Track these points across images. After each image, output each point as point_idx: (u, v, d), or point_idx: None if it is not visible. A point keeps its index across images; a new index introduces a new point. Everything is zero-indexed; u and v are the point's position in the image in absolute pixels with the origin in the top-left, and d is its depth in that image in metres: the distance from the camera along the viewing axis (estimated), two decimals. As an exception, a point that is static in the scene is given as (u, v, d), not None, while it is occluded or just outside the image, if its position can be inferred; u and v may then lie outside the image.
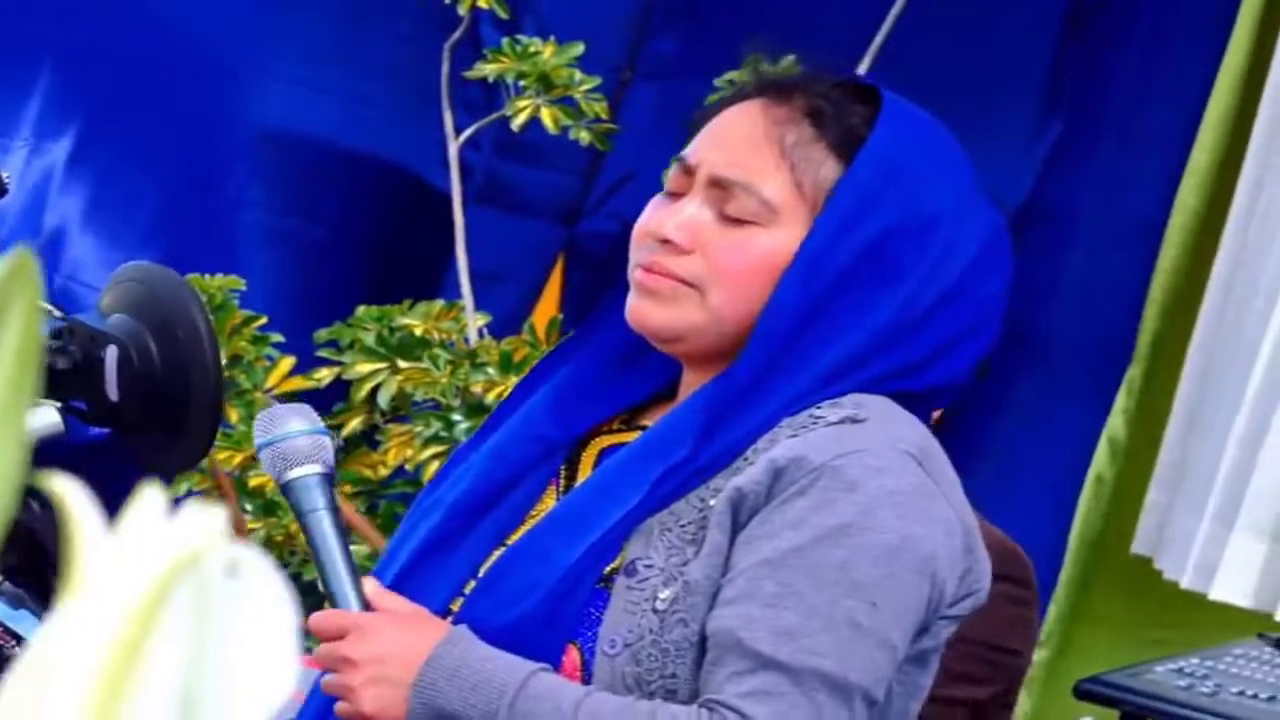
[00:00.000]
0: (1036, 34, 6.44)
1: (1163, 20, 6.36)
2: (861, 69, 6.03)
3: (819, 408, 2.51)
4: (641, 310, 2.57)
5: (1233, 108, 6.06)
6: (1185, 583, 5.84)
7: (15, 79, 6.59)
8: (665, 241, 2.56)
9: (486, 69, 5.74)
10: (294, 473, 2.56)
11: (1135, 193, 6.32)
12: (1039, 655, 6.14)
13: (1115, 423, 6.12)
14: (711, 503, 2.48)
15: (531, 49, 5.65)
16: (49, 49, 6.60)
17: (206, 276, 6.03)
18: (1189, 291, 6.06)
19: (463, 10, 5.99)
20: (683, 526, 2.48)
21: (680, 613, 2.45)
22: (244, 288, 6.03)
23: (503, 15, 6.00)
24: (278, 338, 6.06)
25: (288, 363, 6.05)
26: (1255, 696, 5.09)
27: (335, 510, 2.55)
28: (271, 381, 6.00)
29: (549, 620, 2.47)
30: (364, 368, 5.74)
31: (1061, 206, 6.45)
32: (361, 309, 6.04)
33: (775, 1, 6.30)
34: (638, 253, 2.59)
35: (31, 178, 6.56)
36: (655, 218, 2.58)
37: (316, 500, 2.55)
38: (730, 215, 2.55)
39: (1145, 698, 5.09)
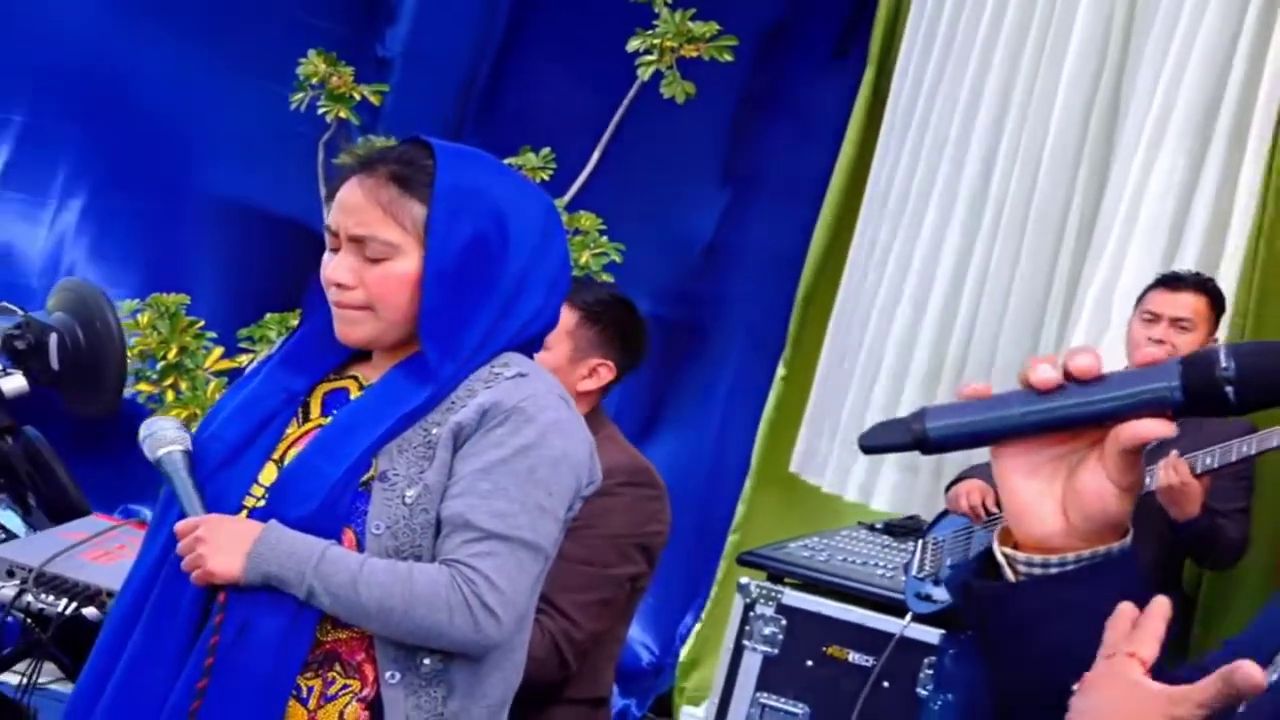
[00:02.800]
0: (715, 129, 6.49)
1: (802, 117, 6.45)
2: (597, 153, 6.11)
3: (493, 366, 2.51)
4: (342, 331, 2.55)
5: (850, 175, 6.17)
6: (826, 487, 5.96)
7: (46, 160, 6.63)
8: (339, 284, 2.52)
9: (346, 159, 5.74)
10: (162, 450, 2.52)
11: (783, 236, 6.39)
12: (732, 539, 6.22)
13: (777, 385, 6.23)
14: (434, 432, 2.46)
15: (378, 143, 5.67)
16: (68, 141, 6.64)
17: (166, 294, 6.09)
18: (822, 300, 6.16)
19: (330, 120, 6.13)
20: (415, 448, 2.47)
21: (423, 505, 2.44)
22: (189, 301, 6.07)
23: (355, 123, 6.12)
24: (212, 335, 6.09)
25: (218, 351, 6.04)
26: (853, 561, 5.21)
27: (191, 470, 2.51)
28: (208, 364, 5.99)
29: (329, 514, 2.44)
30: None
31: (734, 245, 6.53)
32: (269, 315, 6.07)
33: (532, 104, 6.36)
34: (328, 293, 2.55)
35: (58, 227, 6.61)
36: (328, 270, 2.54)
37: (178, 465, 2.52)
38: (370, 257, 2.51)
39: (781, 563, 5.20)
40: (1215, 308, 4.64)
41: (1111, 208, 5.29)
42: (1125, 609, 1.39)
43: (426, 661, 2.44)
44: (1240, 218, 5.07)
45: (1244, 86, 5.10)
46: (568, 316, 3.48)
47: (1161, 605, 1.38)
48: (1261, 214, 5.06)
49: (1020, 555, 1.49)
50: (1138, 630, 1.37)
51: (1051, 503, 1.47)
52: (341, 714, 2.43)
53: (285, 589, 2.42)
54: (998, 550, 1.50)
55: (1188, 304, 4.58)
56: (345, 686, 2.44)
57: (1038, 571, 1.48)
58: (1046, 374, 1.44)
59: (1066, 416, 1.45)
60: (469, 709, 2.48)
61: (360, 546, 2.45)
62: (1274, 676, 1.40)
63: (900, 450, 1.47)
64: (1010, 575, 1.49)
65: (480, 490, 2.45)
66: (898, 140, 5.96)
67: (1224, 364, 1.42)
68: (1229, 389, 1.42)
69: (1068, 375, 1.44)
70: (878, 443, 1.48)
